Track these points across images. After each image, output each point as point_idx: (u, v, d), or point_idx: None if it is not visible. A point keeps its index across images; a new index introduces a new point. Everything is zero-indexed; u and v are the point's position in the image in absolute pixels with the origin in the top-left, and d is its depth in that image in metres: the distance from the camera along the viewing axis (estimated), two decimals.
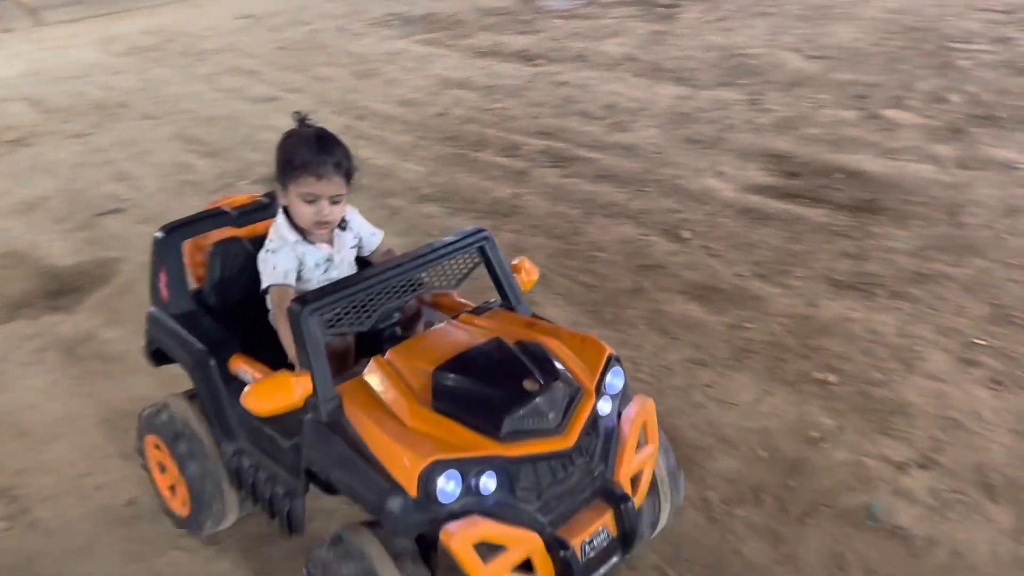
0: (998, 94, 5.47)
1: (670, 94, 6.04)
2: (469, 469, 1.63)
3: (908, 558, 2.13)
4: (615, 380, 1.87)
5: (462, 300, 2.24)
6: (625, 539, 1.77)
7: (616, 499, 1.76)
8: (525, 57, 7.20)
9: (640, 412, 1.87)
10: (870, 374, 2.83)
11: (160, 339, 2.31)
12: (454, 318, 2.07)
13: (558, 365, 1.82)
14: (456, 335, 1.94)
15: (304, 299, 1.77)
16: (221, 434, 2.16)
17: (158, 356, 2.37)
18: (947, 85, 5.69)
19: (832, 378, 2.83)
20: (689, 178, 4.59)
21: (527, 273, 2.19)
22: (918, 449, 2.48)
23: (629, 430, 1.83)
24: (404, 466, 1.62)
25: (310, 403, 1.77)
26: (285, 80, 7.47)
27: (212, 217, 2.33)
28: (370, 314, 1.84)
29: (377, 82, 7.03)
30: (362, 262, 2.30)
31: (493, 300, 2.14)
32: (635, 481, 1.85)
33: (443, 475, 1.60)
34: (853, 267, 3.55)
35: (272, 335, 2.15)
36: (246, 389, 1.77)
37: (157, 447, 2.32)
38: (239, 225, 2.32)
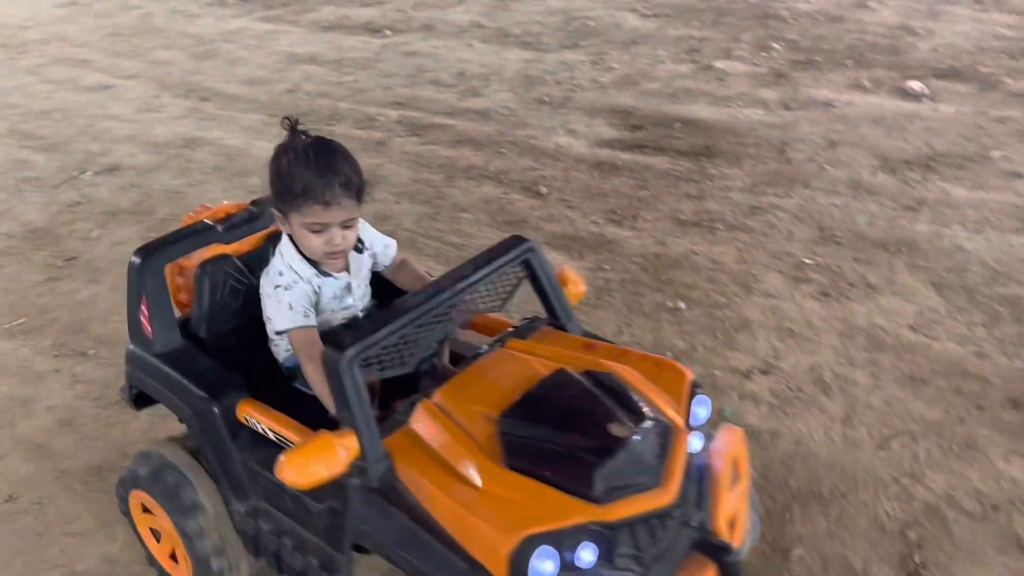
0: (815, 40, 5.95)
1: (518, 58, 6.20)
2: (565, 541, 1.36)
3: (757, 451, 2.40)
4: (701, 410, 1.63)
5: (496, 316, 1.96)
6: None
7: (718, 551, 1.52)
8: (372, 29, 7.16)
9: (730, 445, 1.61)
10: (715, 298, 3.12)
11: (145, 383, 2.00)
12: (498, 341, 1.78)
13: (640, 400, 1.57)
14: (511, 367, 1.67)
15: (340, 343, 1.49)
16: (230, 492, 1.85)
17: (141, 399, 2.09)
18: (769, 34, 6.13)
19: (682, 305, 3.09)
20: (542, 137, 4.78)
21: (574, 284, 1.93)
22: (760, 358, 2.78)
23: (722, 467, 1.57)
24: (489, 544, 1.36)
25: (355, 466, 1.50)
26: (120, 67, 7.12)
27: (196, 234, 2.03)
28: (412, 351, 1.59)
29: (219, 62, 6.82)
30: (376, 277, 2.06)
31: (533, 317, 1.90)
32: (731, 524, 1.61)
33: (538, 553, 1.33)
34: (695, 207, 3.85)
35: (276, 369, 1.96)
36: (281, 458, 1.47)
37: (145, 506, 2.00)
38: (227, 241, 2.03)
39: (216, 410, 1.80)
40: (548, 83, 5.65)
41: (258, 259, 2.01)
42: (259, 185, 4.48)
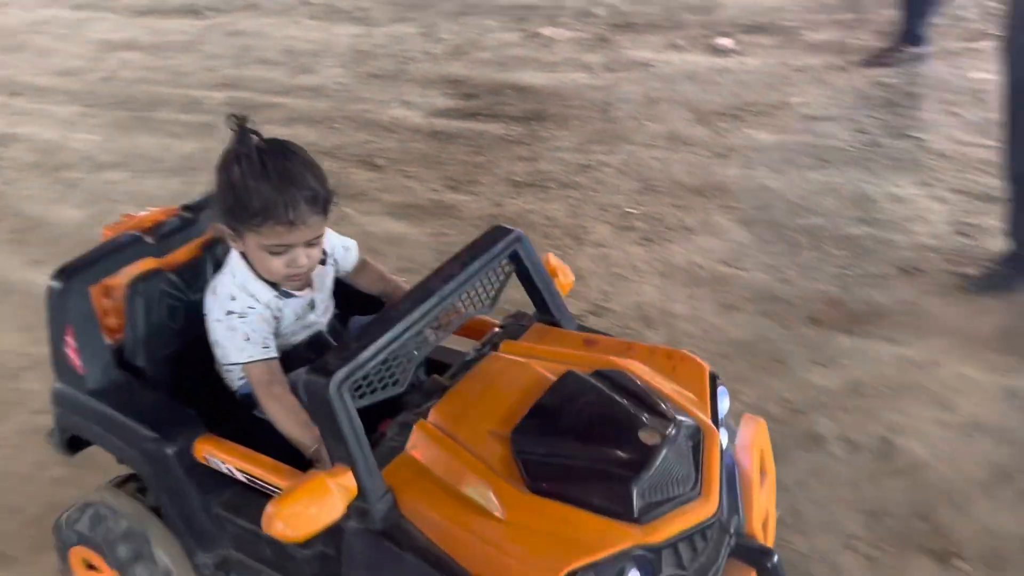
0: (633, 4, 6.22)
1: (348, 33, 6.16)
2: (608, 572, 1.20)
3: None
4: (724, 403, 1.51)
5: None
6: None
7: (758, 556, 1.39)
8: (191, 11, 6.90)
9: (755, 438, 1.49)
10: (550, 252, 3.28)
11: (79, 426, 1.74)
12: (486, 344, 1.62)
13: (661, 399, 1.40)
14: (512, 374, 1.48)
15: (325, 367, 1.29)
16: (193, 543, 1.61)
17: (74, 443, 1.82)
18: (592, 0, 6.36)
19: None
20: (377, 111, 4.81)
21: (563, 274, 1.78)
22: (592, 302, 2.97)
23: (750, 464, 1.46)
24: None
25: (353, 507, 1.30)
26: None
27: (123, 248, 1.76)
28: (404, 367, 1.39)
29: (27, 54, 6.40)
30: (338, 284, 1.87)
31: (517, 313, 1.75)
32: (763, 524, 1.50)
33: None
34: (528, 168, 4.01)
35: (230, 394, 1.74)
36: (268, 509, 1.26)
37: (89, 564, 1.73)
38: (159, 253, 1.79)
39: (169, 452, 1.56)
40: (380, 57, 5.66)
41: (194, 271, 1.80)
42: (80, 177, 4.31)
